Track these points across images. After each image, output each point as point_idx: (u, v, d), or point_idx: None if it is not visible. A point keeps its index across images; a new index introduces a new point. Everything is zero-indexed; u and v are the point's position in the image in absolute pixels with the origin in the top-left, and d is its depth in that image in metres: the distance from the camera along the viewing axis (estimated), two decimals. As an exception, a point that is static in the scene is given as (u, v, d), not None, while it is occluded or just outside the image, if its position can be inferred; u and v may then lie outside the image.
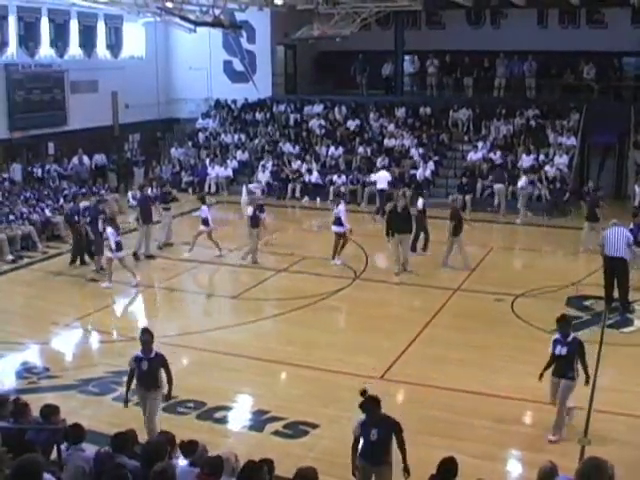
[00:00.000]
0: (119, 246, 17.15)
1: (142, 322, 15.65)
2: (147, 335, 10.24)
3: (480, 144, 27.48)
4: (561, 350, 10.11)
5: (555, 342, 10.24)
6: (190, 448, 7.40)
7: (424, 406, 11.06)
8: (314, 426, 10.40)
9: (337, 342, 13.73)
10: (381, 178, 25.12)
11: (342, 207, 18.87)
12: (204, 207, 19.82)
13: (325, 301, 16.07)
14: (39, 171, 26.32)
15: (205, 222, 19.58)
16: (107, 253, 17.41)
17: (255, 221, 19.24)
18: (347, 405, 10.65)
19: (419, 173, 26.44)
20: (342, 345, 13.57)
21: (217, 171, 28.45)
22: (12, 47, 25.62)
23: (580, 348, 10.15)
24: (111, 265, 17.22)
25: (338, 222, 18.71)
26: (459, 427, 10.27)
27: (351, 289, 17.01)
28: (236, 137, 31.02)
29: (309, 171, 27.49)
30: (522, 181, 24.58)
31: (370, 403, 8.10)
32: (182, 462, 7.32)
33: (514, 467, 9.75)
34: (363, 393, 8.13)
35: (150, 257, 19.92)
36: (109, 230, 17.15)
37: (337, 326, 14.75)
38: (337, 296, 16.48)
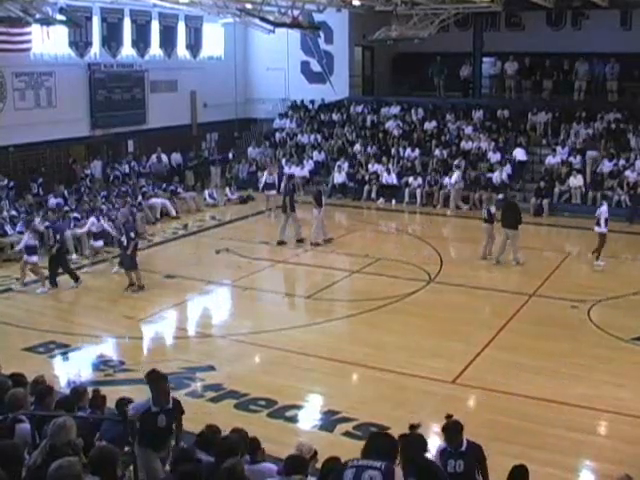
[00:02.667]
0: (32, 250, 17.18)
1: (216, 319, 15.90)
2: (162, 381, 8.09)
3: (559, 148, 27.04)
4: (456, 466, 7.30)
5: (444, 454, 7.42)
6: (253, 445, 7.43)
7: (496, 412, 10.92)
8: (384, 428, 10.35)
9: (409, 345, 13.65)
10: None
11: (604, 208, 18.82)
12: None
13: (398, 303, 16.00)
14: (125, 167, 26.96)
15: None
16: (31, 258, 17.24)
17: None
18: (417, 408, 10.63)
19: (495, 176, 26.16)
20: (414, 348, 13.48)
21: (293, 171, 28.60)
22: (95, 47, 26.24)
23: (481, 455, 7.49)
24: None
25: (603, 223, 18.69)
26: (533, 436, 10.09)
27: (425, 292, 16.91)
28: (312, 137, 31.12)
29: (387, 171, 27.36)
30: (455, 175, 25.66)
31: (455, 428, 7.46)
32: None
33: (587, 478, 9.57)
34: (414, 427, 6.99)
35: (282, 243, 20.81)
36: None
37: (410, 329, 14.64)
38: (411, 299, 16.38)
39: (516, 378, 12.09)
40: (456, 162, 26.85)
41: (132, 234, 17.16)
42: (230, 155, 30.65)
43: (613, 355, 13.13)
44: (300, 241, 20.90)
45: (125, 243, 17.16)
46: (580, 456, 9.92)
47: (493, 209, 19.45)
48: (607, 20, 29.93)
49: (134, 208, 21.49)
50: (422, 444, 6.88)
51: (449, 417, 7.63)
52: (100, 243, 19.64)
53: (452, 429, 7.41)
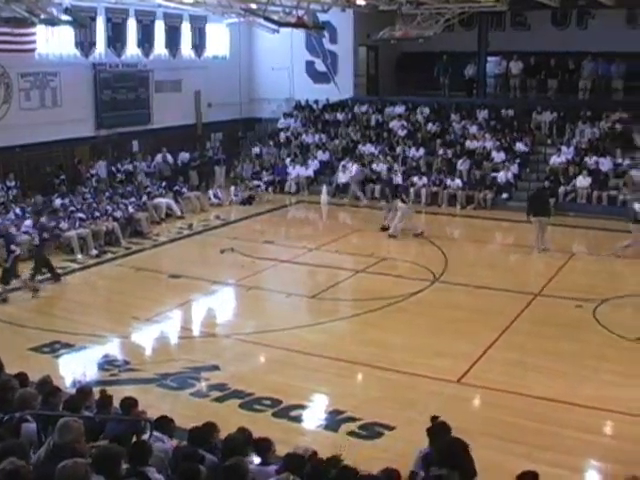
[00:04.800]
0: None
1: (220, 319, 15.90)
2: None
3: (564, 147, 27.01)
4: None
5: (427, 459, 6.92)
6: (263, 445, 7.42)
7: (501, 412, 10.89)
8: (390, 428, 10.35)
9: (414, 344, 13.63)
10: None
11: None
12: None
13: (403, 303, 15.99)
14: (130, 167, 27.01)
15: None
16: None
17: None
18: (422, 408, 10.60)
19: (501, 176, 26.14)
20: (419, 347, 13.46)
21: (298, 171, 28.60)
22: (100, 47, 26.18)
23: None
24: None
25: None
26: (539, 436, 10.06)
27: (430, 291, 16.89)
28: (317, 137, 31.11)
29: (393, 172, 27.28)
30: (354, 168, 26.61)
31: (442, 431, 7.08)
32: (256, 460, 7.36)
33: (594, 478, 9.54)
34: (435, 418, 7.02)
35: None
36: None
37: (415, 328, 14.62)
38: (415, 298, 16.36)
39: (521, 378, 12.07)
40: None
41: (12, 247, 17.06)
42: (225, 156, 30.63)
43: (619, 355, 13.10)
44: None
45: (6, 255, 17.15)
46: (588, 457, 9.87)
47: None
48: (613, 19, 29.83)
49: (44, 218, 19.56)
50: (447, 429, 7.04)
51: (435, 419, 7.55)
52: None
53: (438, 432, 7.09)
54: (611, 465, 9.35)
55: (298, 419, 10.91)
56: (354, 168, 27.74)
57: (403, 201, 21.95)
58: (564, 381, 11.94)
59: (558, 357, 12.91)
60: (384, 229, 22.22)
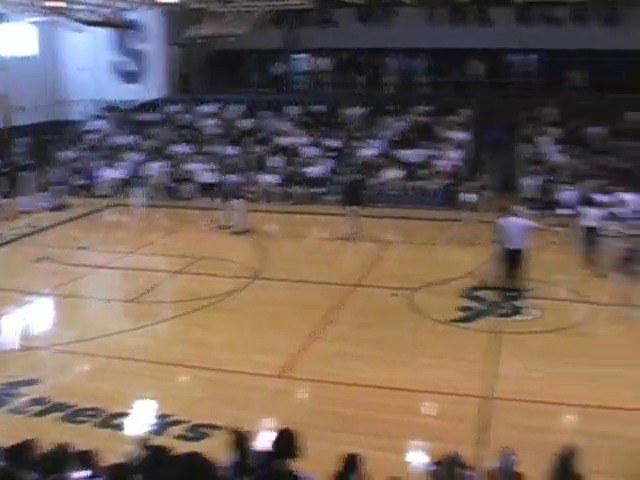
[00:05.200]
0: None
1: (37, 330, 15.18)
2: None
3: (374, 141, 27.81)
4: None
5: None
6: (85, 457, 7.15)
7: (326, 402, 11.03)
8: (217, 427, 10.26)
9: (236, 342, 13.58)
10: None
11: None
12: None
13: (223, 302, 15.89)
14: None
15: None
16: None
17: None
18: (247, 405, 10.59)
19: (314, 171, 26.55)
20: (241, 345, 13.42)
21: (109, 173, 27.88)
22: None
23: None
24: None
25: None
26: (364, 422, 10.26)
27: (250, 288, 16.87)
28: (128, 138, 30.43)
29: (205, 171, 27.16)
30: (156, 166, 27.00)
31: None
32: (80, 474, 7.07)
33: (419, 458, 9.81)
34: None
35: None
36: None
37: (236, 326, 14.56)
38: (236, 296, 16.32)
39: (343, 367, 12.26)
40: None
41: None
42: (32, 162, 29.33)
43: (434, 338, 13.63)
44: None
45: None
46: (411, 438, 10.14)
47: None
48: (415, 17, 31.06)
49: None
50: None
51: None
52: None
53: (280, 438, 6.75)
54: (434, 444, 9.62)
55: (123, 427, 10.58)
56: (157, 167, 27.45)
57: (237, 198, 22.03)
58: (384, 367, 12.24)
59: (378, 344, 13.24)
60: (222, 227, 22.23)
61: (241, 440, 6.96)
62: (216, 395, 11.41)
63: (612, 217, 18.15)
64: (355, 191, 22.39)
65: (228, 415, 10.17)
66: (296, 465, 6.37)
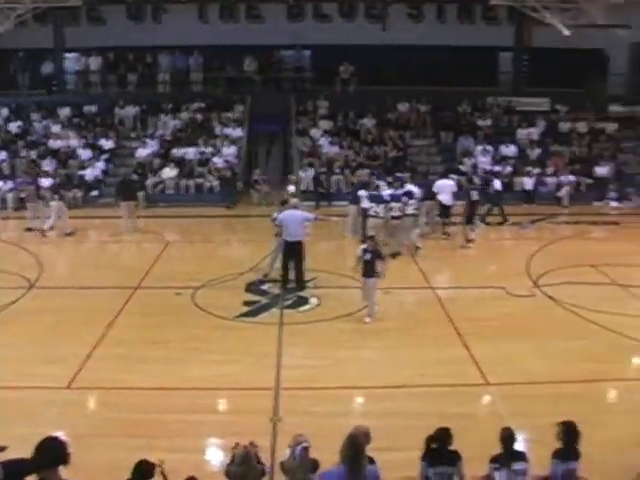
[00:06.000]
0: None
1: None
2: None
3: (149, 140, 27.53)
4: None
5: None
6: None
7: (117, 409, 10.81)
8: (2, 449, 9.72)
9: (20, 356, 12.75)
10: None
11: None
12: None
13: (1, 315, 15.05)
14: None
15: None
16: None
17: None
18: (40, 420, 10.18)
19: (89, 173, 25.88)
20: (25, 358, 12.63)
21: None
22: None
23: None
24: None
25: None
26: (153, 425, 10.19)
27: (27, 299, 16.03)
28: None
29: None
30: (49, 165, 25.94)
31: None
32: None
33: (212, 455, 9.89)
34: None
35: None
36: None
37: (18, 339, 13.65)
38: (13, 308, 15.40)
39: (130, 372, 12.09)
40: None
41: None
42: None
43: (221, 334, 13.77)
44: None
45: None
46: (204, 436, 10.25)
47: None
48: (186, 14, 31.09)
49: None
50: None
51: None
52: None
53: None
54: (226, 438, 9.68)
55: None
56: None
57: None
58: (171, 368, 12.21)
59: (164, 346, 13.18)
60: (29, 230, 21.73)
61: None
62: (3, 414, 10.73)
63: (379, 201, 19.18)
64: (129, 187, 22.77)
65: (17, 434, 9.70)
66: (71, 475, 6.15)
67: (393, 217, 19.15)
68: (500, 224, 22.88)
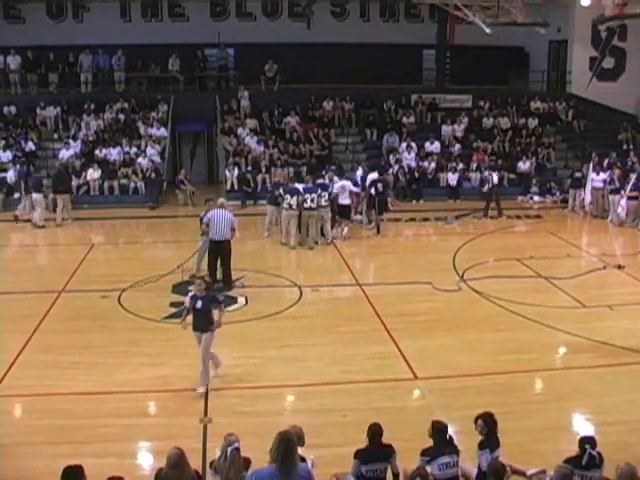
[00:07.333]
0: None
1: None
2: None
3: (72, 141, 27.07)
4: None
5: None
6: None
7: (44, 416, 10.55)
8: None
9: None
10: None
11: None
12: None
13: None
14: None
15: None
16: None
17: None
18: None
19: (10, 176, 25.29)
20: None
21: None
22: None
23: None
24: None
25: None
26: (82, 431, 10.00)
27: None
28: None
29: None
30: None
31: None
32: None
33: (143, 459, 9.77)
34: None
35: None
36: None
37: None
38: None
39: (58, 378, 11.86)
40: None
41: None
42: None
43: (148, 336, 13.62)
44: None
45: None
46: (133, 440, 10.08)
47: None
48: (108, 12, 30.79)
49: None
50: None
51: None
52: None
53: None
54: (155, 442, 9.68)
55: None
56: None
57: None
58: (100, 372, 12.02)
59: (91, 350, 12.94)
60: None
61: None
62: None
63: (293, 193, 19.80)
64: (63, 179, 23.32)
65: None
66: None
67: (306, 209, 19.67)
68: (492, 217, 23.71)
